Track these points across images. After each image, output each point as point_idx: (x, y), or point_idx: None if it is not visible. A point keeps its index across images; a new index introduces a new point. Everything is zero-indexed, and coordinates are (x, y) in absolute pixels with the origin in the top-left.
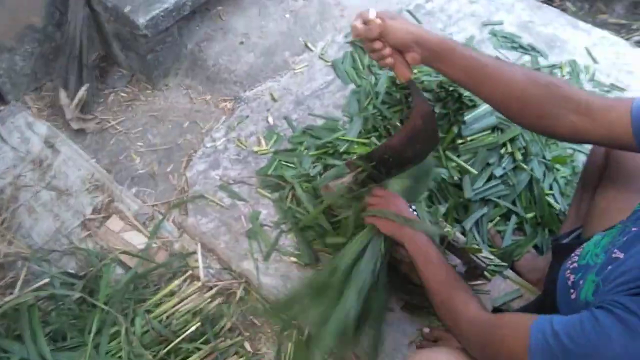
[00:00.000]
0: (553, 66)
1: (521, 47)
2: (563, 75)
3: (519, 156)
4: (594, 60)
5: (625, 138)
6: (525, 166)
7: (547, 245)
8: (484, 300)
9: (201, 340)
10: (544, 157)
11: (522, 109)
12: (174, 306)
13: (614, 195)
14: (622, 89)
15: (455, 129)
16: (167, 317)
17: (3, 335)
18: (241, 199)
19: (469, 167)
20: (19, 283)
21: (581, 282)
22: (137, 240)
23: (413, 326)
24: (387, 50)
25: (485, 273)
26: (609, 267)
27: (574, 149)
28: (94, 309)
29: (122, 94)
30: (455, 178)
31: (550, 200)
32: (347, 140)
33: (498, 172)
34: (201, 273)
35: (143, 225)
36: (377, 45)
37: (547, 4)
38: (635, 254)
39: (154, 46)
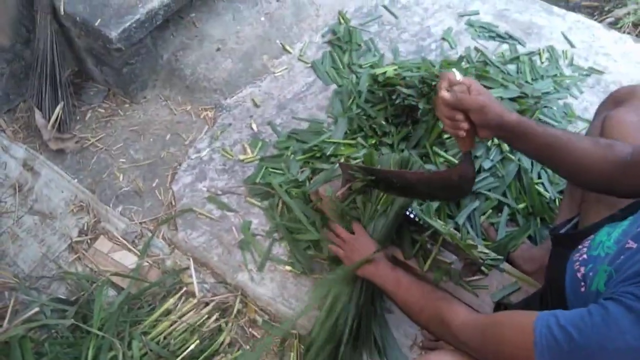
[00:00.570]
0: (531, 53)
1: (498, 36)
2: (542, 62)
3: (506, 147)
4: (571, 45)
5: None
6: (512, 157)
7: (540, 235)
8: (482, 295)
9: (201, 358)
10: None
11: (593, 180)
12: (170, 325)
13: None
14: (600, 72)
15: (440, 124)
16: (165, 338)
17: None
18: (231, 210)
19: (457, 162)
20: (8, 315)
21: (591, 273)
22: (128, 260)
23: (414, 327)
24: (466, 125)
25: (482, 268)
26: (622, 257)
27: None
28: (88, 335)
29: (100, 110)
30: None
31: (540, 189)
32: (334, 143)
33: (486, 164)
34: (196, 289)
35: (132, 244)
36: (458, 117)
37: None
38: None
39: (128, 59)
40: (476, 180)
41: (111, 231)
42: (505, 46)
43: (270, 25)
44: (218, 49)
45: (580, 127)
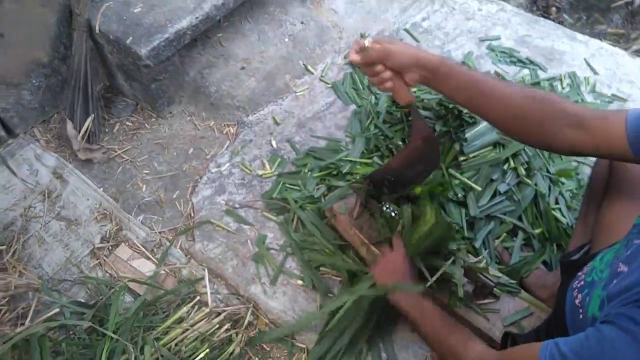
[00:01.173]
0: (552, 79)
1: (519, 61)
2: (563, 88)
3: (522, 171)
4: (594, 72)
5: (621, 149)
6: (529, 181)
7: (555, 260)
8: (493, 319)
9: None
10: (548, 171)
11: (519, 125)
12: (182, 333)
13: (619, 207)
14: (623, 100)
15: (457, 147)
16: (176, 345)
17: None
18: (247, 223)
19: (472, 184)
20: (30, 314)
21: (587, 299)
22: (146, 267)
23: (423, 348)
24: (387, 74)
25: (494, 291)
26: (614, 281)
27: (579, 162)
28: (103, 338)
29: (128, 123)
30: (460, 196)
31: (557, 214)
32: (350, 161)
33: (502, 188)
34: (209, 299)
35: (151, 252)
36: (378, 68)
37: (544, 17)
38: (639, 267)
39: (156, 75)
40: (491, 203)
41: (132, 239)
42: (526, 71)
43: (294, 46)
44: (242, 68)
45: None
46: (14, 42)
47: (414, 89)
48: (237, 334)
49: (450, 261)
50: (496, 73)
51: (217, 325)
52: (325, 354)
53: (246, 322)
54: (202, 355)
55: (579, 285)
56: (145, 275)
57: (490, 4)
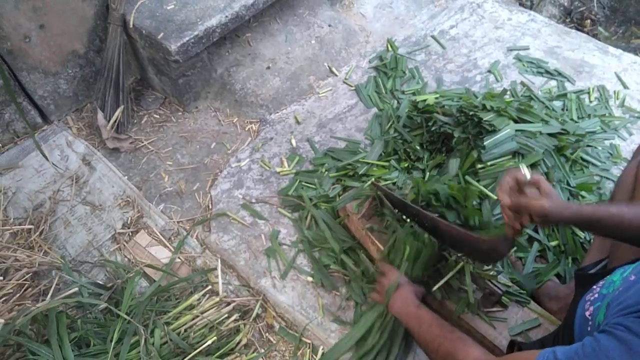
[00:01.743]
0: (580, 92)
1: (547, 72)
2: (591, 101)
3: None
4: (624, 86)
5: None
6: None
7: (570, 274)
8: (500, 328)
9: (217, 354)
10: (568, 184)
11: None
12: (192, 319)
13: None
14: None
15: (475, 154)
16: (186, 330)
17: (33, 339)
18: (262, 218)
19: (488, 192)
20: (51, 291)
21: (598, 311)
22: (162, 254)
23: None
24: (527, 222)
25: (503, 300)
26: (620, 289)
27: (601, 177)
28: (117, 319)
29: (155, 116)
30: (475, 203)
31: (575, 228)
32: (367, 163)
33: None
34: (220, 289)
35: (168, 240)
36: (524, 220)
37: (577, 29)
38: None
39: (185, 71)
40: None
41: (151, 227)
42: (553, 83)
43: (320, 48)
44: (268, 68)
45: None
46: (53, 33)
47: (436, 95)
48: (244, 324)
49: (458, 267)
50: (522, 83)
51: (226, 315)
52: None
53: (254, 313)
54: (209, 342)
55: (592, 297)
56: (162, 262)
57: (520, 14)
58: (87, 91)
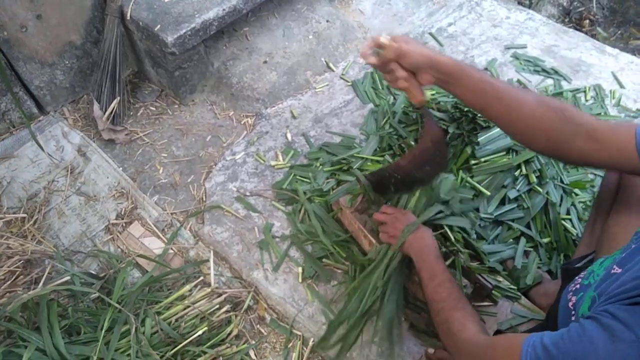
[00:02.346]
0: (576, 90)
1: (544, 70)
2: (587, 100)
3: (533, 179)
4: (621, 85)
5: (631, 161)
6: (540, 189)
7: (560, 269)
8: (490, 323)
9: (207, 344)
10: (561, 181)
11: (531, 132)
12: (183, 310)
13: (625, 219)
14: None
15: (469, 150)
16: (177, 320)
17: (23, 326)
18: (256, 211)
19: (482, 189)
20: (43, 279)
21: (580, 301)
22: (155, 245)
23: (418, 346)
24: (401, 73)
25: (493, 295)
26: (607, 282)
27: (595, 174)
28: (108, 308)
29: (151, 108)
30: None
31: (567, 225)
32: (362, 158)
33: (512, 194)
34: (212, 280)
35: (162, 232)
36: (392, 66)
37: (575, 29)
38: (631, 267)
39: (181, 63)
40: (502, 209)
41: (145, 218)
42: (549, 81)
43: (318, 43)
44: (265, 62)
45: None
46: (50, 23)
47: (432, 92)
48: (236, 316)
49: (449, 261)
50: (518, 81)
51: (218, 306)
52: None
53: (246, 305)
54: (200, 332)
55: (574, 288)
56: (155, 253)
57: (519, 13)
58: (83, 82)
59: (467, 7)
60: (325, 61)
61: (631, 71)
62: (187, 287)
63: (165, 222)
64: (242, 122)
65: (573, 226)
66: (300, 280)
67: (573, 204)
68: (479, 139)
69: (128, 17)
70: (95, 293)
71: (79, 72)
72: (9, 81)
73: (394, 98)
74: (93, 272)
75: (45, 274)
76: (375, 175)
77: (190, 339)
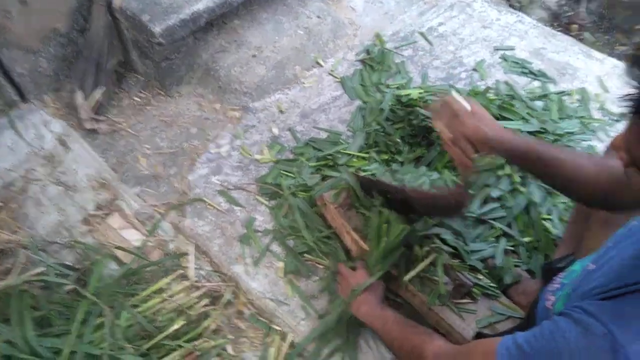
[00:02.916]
0: (562, 93)
1: (531, 72)
2: (572, 103)
3: (516, 179)
4: (605, 89)
5: None
6: (522, 189)
7: (540, 269)
8: (469, 320)
9: (184, 338)
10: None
11: (591, 194)
12: (160, 302)
13: (605, 221)
14: None
15: None
16: (153, 314)
17: None
18: (238, 205)
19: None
20: (17, 270)
21: (557, 300)
22: (135, 237)
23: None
24: (472, 154)
25: (473, 292)
26: (581, 279)
27: None
28: (83, 300)
29: (136, 99)
30: None
31: (548, 225)
32: (348, 154)
33: (495, 193)
34: (192, 273)
35: (142, 224)
36: (462, 145)
37: (564, 33)
38: (605, 263)
39: (169, 54)
40: (483, 208)
41: (125, 210)
42: (536, 83)
43: (308, 38)
44: (254, 56)
45: None
46: (35, 9)
47: (422, 91)
48: (214, 310)
49: (430, 259)
50: (506, 82)
51: (196, 300)
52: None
53: (225, 299)
54: (177, 326)
55: (553, 288)
56: (134, 246)
57: (509, 15)
58: (67, 71)
59: (458, 8)
60: (315, 57)
61: (616, 76)
62: (166, 280)
63: (146, 214)
64: (229, 116)
65: (554, 226)
66: (281, 275)
67: (555, 205)
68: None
69: (116, 6)
70: (70, 285)
71: (63, 60)
72: None
73: (382, 96)
74: (69, 264)
75: (19, 264)
76: (372, 182)
77: (167, 332)
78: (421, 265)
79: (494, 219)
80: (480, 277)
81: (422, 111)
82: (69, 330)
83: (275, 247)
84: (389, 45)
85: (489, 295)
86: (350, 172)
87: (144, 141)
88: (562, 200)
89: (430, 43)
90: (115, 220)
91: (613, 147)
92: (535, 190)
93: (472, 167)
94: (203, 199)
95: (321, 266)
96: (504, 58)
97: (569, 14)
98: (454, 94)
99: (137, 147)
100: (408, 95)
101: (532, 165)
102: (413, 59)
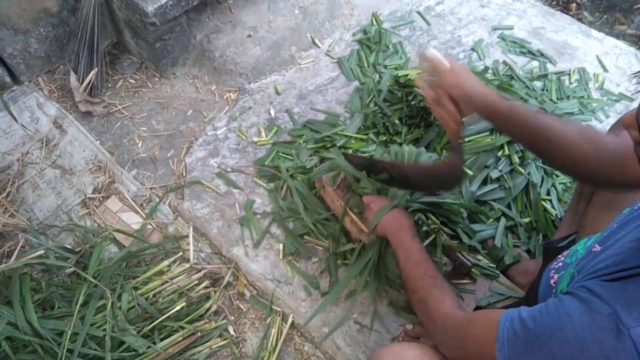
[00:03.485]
0: (561, 73)
1: (530, 52)
2: (571, 83)
3: (515, 159)
4: (604, 69)
5: None
6: (522, 170)
7: (539, 249)
8: (468, 300)
9: (185, 320)
10: (543, 163)
11: (572, 164)
12: (161, 285)
13: (609, 201)
14: (630, 99)
15: None
16: (154, 295)
17: None
18: (237, 187)
19: (465, 168)
20: (16, 252)
21: (561, 278)
22: (133, 220)
23: (397, 322)
24: (452, 108)
25: (472, 272)
26: (586, 259)
27: None
28: (84, 282)
29: (131, 80)
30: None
31: (547, 205)
32: (346, 136)
33: (494, 174)
34: (191, 256)
35: (140, 206)
36: (443, 100)
37: (562, 12)
38: (611, 245)
39: (162, 35)
40: (484, 189)
41: (122, 192)
42: (535, 63)
43: (303, 18)
44: (249, 36)
45: None
46: None
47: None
48: (215, 292)
49: (430, 239)
50: (504, 62)
51: (196, 282)
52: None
53: (225, 281)
54: (178, 308)
55: (557, 266)
56: (133, 228)
57: None
58: (60, 52)
59: None
60: (311, 37)
61: (615, 55)
62: (166, 263)
63: (144, 197)
64: (225, 97)
65: (553, 207)
66: (280, 257)
67: (554, 185)
68: (463, 119)
69: None
70: (70, 267)
71: (55, 41)
72: None
73: (380, 76)
74: (68, 247)
75: (18, 247)
76: (367, 160)
77: (168, 314)
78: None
79: (493, 200)
80: (480, 257)
81: (419, 91)
82: (70, 313)
83: (275, 229)
84: (386, 25)
85: (488, 276)
86: (338, 152)
87: (139, 123)
88: (561, 180)
89: (427, 23)
90: (113, 203)
91: (624, 124)
92: (534, 171)
93: (458, 128)
94: (201, 182)
95: (321, 248)
96: (502, 38)
97: None
98: (432, 50)
99: (133, 129)
100: (406, 75)
101: (518, 132)
102: (410, 39)
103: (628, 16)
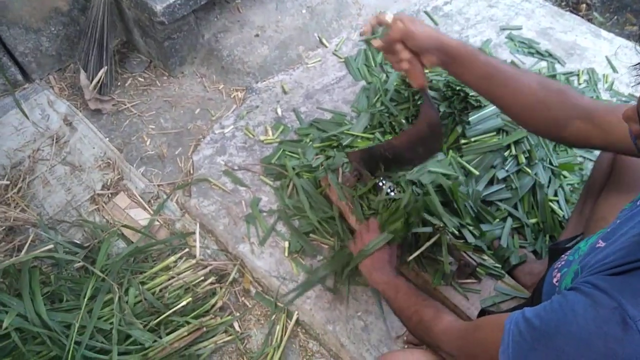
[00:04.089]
0: (570, 74)
1: (538, 52)
2: (580, 84)
3: (522, 160)
4: (614, 70)
5: (624, 141)
6: (529, 170)
7: (546, 250)
8: (473, 300)
9: (191, 315)
10: (550, 163)
11: (531, 114)
12: (168, 280)
13: (615, 202)
14: None
15: (459, 129)
16: (161, 291)
17: (4, 291)
18: (243, 185)
19: (471, 168)
20: (26, 247)
21: (564, 276)
22: (141, 216)
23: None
24: (406, 54)
25: (477, 272)
26: (590, 255)
27: (584, 157)
28: (92, 276)
29: (140, 79)
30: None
31: (554, 206)
32: (352, 135)
33: (501, 174)
34: (198, 252)
35: (148, 203)
36: (398, 48)
37: (572, 12)
38: (615, 241)
39: (171, 33)
40: (490, 189)
41: (131, 189)
42: (543, 64)
43: (311, 18)
44: (257, 35)
45: None
46: None
47: (426, 71)
48: (221, 288)
49: (435, 238)
50: (512, 62)
51: (202, 278)
52: None
53: (231, 278)
54: (184, 303)
55: (559, 265)
56: (140, 225)
57: None
58: (70, 51)
59: None
60: (318, 36)
61: (625, 56)
62: (172, 259)
63: (152, 194)
64: (232, 96)
65: (560, 208)
66: (286, 254)
67: (561, 186)
68: (469, 119)
69: None
70: (79, 262)
71: (65, 39)
72: None
73: (387, 76)
74: (77, 242)
75: (28, 241)
76: (365, 151)
77: (174, 309)
78: (426, 245)
79: (499, 200)
80: (485, 257)
81: (431, 95)
82: (78, 306)
83: (280, 227)
84: None
85: (494, 276)
86: (349, 152)
87: (148, 121)
88: (569, 182)
89: (435, 23)
90: (122, 200)
91: (625, 118)
92: (541, 172)
93: (418, 73)
94: (208, 179)
95: (326, 246)
96: (511, 38)
97: None
98: (387, 12)
99: (142, 127)
100: None
101: (471, 72)
102: None
103: (639, 17)
